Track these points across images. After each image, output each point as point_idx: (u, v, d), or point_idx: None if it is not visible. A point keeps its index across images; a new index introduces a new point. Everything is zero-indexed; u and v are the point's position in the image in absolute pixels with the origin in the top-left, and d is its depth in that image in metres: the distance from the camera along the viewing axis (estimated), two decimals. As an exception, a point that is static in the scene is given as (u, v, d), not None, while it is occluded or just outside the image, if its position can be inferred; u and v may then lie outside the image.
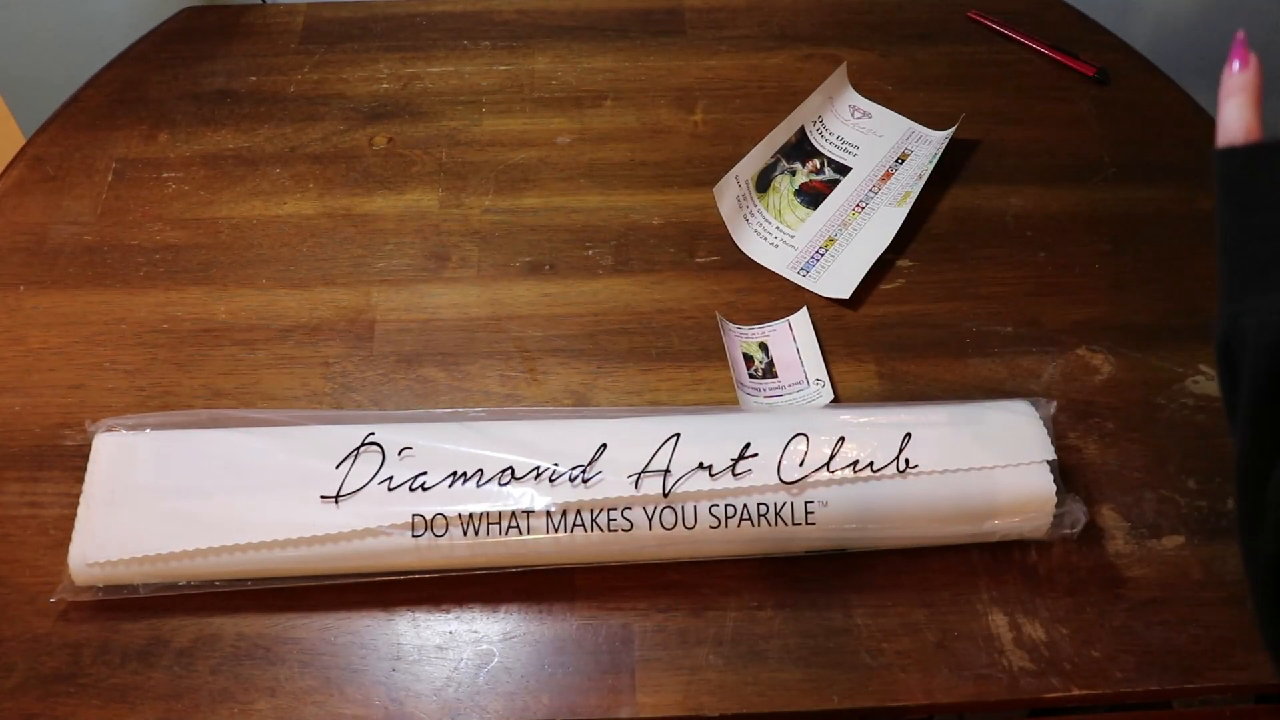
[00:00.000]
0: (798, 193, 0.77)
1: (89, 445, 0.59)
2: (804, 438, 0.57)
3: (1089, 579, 0.58)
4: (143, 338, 0.68)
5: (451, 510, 0.55)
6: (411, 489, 0.56)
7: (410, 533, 0.55)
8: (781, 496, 0.56)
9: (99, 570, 0.55)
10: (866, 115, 0.82)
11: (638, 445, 0.57)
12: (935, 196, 0.76)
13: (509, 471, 0.56)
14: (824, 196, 0.77)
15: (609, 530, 0.56)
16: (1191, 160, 0.79)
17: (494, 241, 0.74)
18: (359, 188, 0.77)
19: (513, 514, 0.55)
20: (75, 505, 0.57)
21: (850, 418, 0.59)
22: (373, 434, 0.58)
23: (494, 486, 0.56)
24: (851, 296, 0.70)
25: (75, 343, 0.68)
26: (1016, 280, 0.72)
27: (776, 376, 0.67)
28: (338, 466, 0.57)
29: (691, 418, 0.59)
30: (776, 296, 0.71)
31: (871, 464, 0.57)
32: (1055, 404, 0.61)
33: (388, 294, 0.71)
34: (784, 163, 0.79)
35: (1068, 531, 0.58)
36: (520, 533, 0.56)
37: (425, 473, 0.56)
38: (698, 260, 0.73)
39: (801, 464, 0.57)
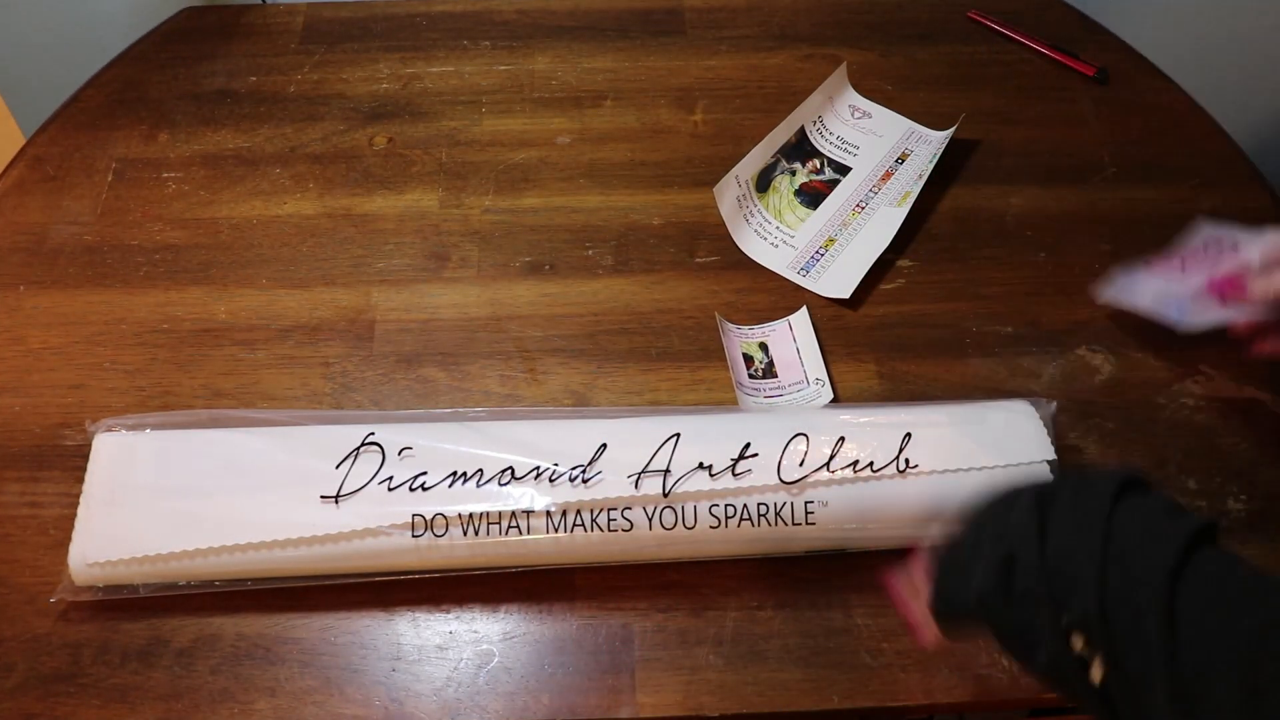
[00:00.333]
0: (798, 193, 0.77)
1: (89, 445, 0.59)
2: (804, 438, 0.57)
3: (1089, 579, 0.58)
4: (143, 338, 0.68)
5: (451, 510, 0.55)
6: (411, 489, 0.56)
7: (410, 533, 0.55)
8: (781, 496, 0.56)
9: (99, 570, 0.55)
10: (866, 115, 0.82)
11: (638, 445, 0.57)
12: (935, 196, 0.76)
13: (509, 471, 0.56)
14: (824, 196, 0.77)
15: (609, 530, 0.56)
16: (1192, 160, 0.79)
17: (494, 241, 0.74)
18: (359, 188, 0.77)
19: (513, 514, 0.55)
20: (75, 505, 0.57)
21: (850, 418, 0.59)
22: (373, 434, 0.58)
23: (494, 486, 0.56)
24: (851, 296, 0.70)
25: (75, 343, 0.68)
26: (1016, 280, 0.72)
27: (776, 376, 0.67)
28: (338, 466, 0.57)
29: (691, 418, 0.59)
30: (776, 296, 0.71)
31: (871, 464, 0.57)
32: (1055, 404, 0.61)
33: (388, 294, 0.71)
34: (784, 163, 0.79)
35: (1068, 531, 0.58)
36: (520, 533, 0.55)
37: (425, 473, 0.56)
38: (698, 260, 0.73)
39: (801, 464, 0.57)
